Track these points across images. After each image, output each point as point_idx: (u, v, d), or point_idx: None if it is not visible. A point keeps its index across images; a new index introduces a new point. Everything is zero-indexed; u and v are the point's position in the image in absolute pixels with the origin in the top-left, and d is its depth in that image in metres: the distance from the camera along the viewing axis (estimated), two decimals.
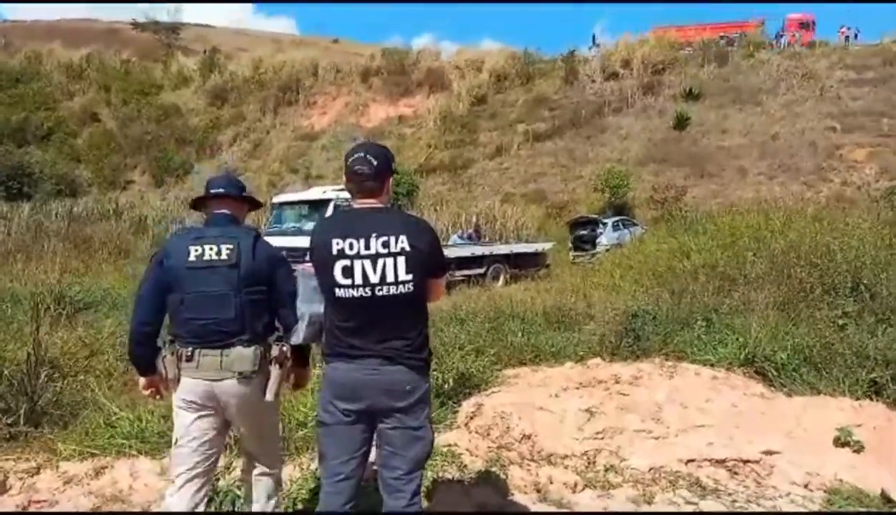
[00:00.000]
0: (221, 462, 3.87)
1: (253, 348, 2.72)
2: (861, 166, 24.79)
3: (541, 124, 32.49)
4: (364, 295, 2.43)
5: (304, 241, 11.91)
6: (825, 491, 4.01)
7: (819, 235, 9.42)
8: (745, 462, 4.35)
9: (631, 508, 3.78)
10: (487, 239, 20.20)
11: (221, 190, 2.92)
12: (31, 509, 3.56)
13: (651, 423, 4.87)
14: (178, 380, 2.71)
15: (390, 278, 2.42)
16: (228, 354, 2.68)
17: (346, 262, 2.44)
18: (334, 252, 2.46)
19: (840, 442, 4.49)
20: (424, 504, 3.38)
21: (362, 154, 2.55)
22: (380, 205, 2.56)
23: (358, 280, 2.43)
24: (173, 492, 2.72)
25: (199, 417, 2.72)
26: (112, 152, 36.51)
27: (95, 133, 37.80)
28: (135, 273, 14.20)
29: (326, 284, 2.49)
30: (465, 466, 4.02)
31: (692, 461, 4.37)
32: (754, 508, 3.82)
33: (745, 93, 30.93)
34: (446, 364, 5.43)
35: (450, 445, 4.31)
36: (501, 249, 17.10)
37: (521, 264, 16.76)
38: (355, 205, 2.57)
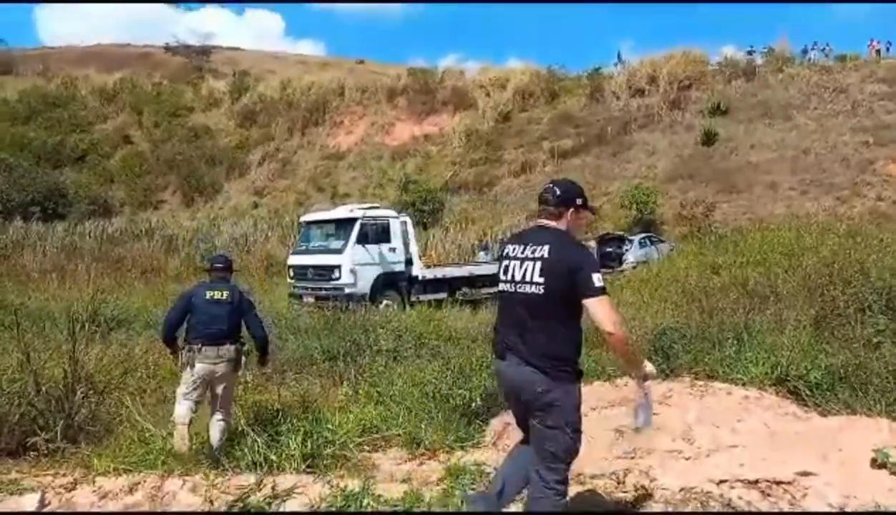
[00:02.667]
0: (252, 480, 3.93)
1: (235, 346, 4.83)
2: None
3: (566, 141, 32.43)
4: (510, 290, 2.98)
5: (330, 260, 12.15)
6: (863, 512, 3.92)
7: (853, 252, 9.25)
8: (779, 483, 4.26)
9: None
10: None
11: (220, 265, 5.17)
12: None
13: (682, 443, 4.81)
14: (193, 364, 4.70)
15: (528, 278, 2.90)
16: (219, 349, 4.72)
17: (507, 263, 3.03)
18: (503, 254, 3.11)
19: (877, 464, 4.38)
20: None
21: (551, 185, 3.14)
22: (550, 225, 3.05)
23: (509, 277, 2.99)
24: (179, 404, 4.73)
25: (200, 383, 4.73)
26: (144, 173, 37.32)
27: (128, 154, 38.70)
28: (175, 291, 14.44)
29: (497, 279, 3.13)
30: None
31: (724, 481, 4.29)
32: None
33: (775, 107, 30.54)
34: (473, 382, 5.44)
35: (478, 464, 4.30)
36: None
37: None
38: (536, 223, 3.15)
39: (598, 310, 2.81)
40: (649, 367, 3.13)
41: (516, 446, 3.24)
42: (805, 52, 35.82)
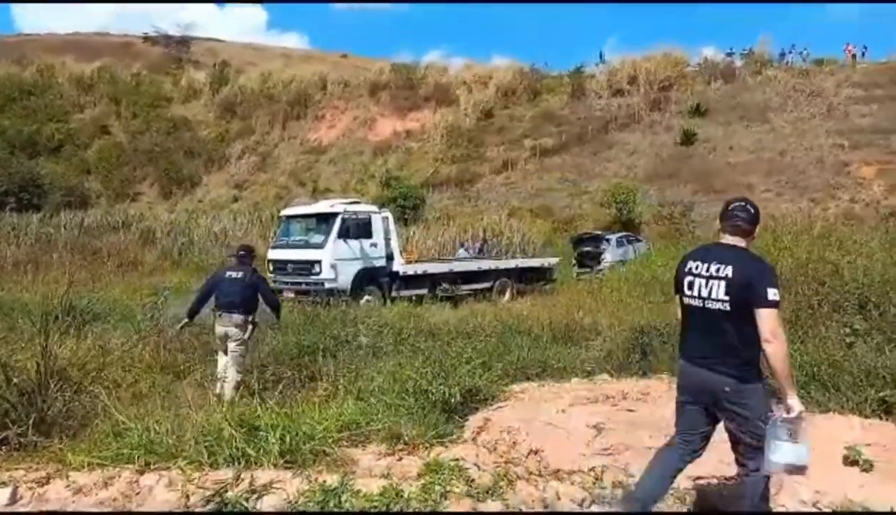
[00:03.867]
0: (230, 474, 3.89)
1: (243, 316, 6.24)
2: (869, 183, 24.73)
3: (548, 139, 32.59)
4: (697, 304, 3.31)
5: (311, 254, 12.14)
6: (834, 510, 3.99)
7: (827, 253, 9.40)
8: None
9: None
10: (494, 252, 20.21)
11: (242, 253, 6.74)
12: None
13: (659, 439, 4.83)
14: (214, 324, 6.36)
15: (714, 295, 3.22)
16: (231, 316, 6.22)
17: (691, 279, 3.34)
18: (686, 269, 3.39)
19: (849, 461, 4.46)
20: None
21: (745, 204, 3.40)
22: (736, 243, 3.31)
23: (695, 292, 3.31)
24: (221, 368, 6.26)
25: (221, 341, 6.32)
26: (121, 164, 36.82)
27: (105, 145, 38.15)
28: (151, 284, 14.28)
29: (681, 296, 3.43)
30: (473, 480, 4.00)
31: (700, 478, 4.35)
32: None
33: (753, 110, 30.96)
34: (453, 378, 5.44)
35: (457, 459, 4.30)
36: (508, 264, 17.11)
37: (528, 279, 16.76)
38: (721, 240, 3.39)
39: (765, 320, 3.09)
40: (795, 401, 3.18)
41: (664, 450, 3.61)
42: (783, 55, 36.41)
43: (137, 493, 3.79)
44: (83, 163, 36.49)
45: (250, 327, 6.28)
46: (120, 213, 26.12)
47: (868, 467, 4.40)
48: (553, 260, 18.28)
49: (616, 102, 33.73)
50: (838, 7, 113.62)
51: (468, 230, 23.14)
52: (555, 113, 35.19)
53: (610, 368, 6.58)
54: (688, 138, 29.30)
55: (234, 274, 6.42)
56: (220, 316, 6.24)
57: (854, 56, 34.84)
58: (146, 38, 52.23)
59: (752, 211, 3.36)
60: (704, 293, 3.26)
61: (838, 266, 8.57)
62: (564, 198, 28.44)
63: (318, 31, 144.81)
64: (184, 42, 51.71)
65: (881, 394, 5.28)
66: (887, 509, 3.92)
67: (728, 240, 3.35)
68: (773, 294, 3.09)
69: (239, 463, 4.03)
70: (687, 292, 3.36)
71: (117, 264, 18.59)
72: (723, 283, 3.20)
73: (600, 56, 39.96)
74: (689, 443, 3.48)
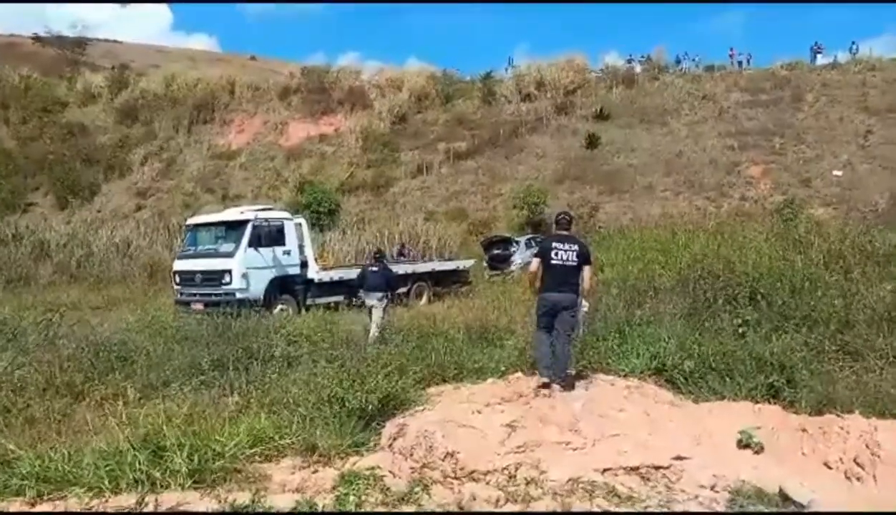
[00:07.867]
0: (133, 499, 3.71)
1: (381, 294, 10.17)
2: (757, 182, 26.47)
3: (461, 143, 32.90)
4: (560, 264, 6.06)
5: (220, 264, 11.64)
6: (730, 492, 4.25)
7: (720, 248, 9.99)
8: (657, 468, 4.55)
9: None
10: (410, 256, 20.20)
11: (377, 256, 11.54)
12: None
13: (569, 435, 5.01)
14: (364, 300, 10.65)
15: (570, 259, 6.06)
16: (374, 294, 10.14)
17: (556, 252, 6.09)
18: (552, 247, 6.14)
19: (742, 444, 4.77)
20: None
21: (567, 214, 6.68)
22: (567, 234, 6.34)
23: (560, 258, 6.06)
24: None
25: (368, 311, 10.23)
26: (11, 173, 34.28)
27: None
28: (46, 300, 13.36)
29: (548, 260, 6.11)
30: (388, 489, 4.00)
31: (608, 469, 4.52)
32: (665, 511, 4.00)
33: (652, 113, 32.43)
34: (369, 384, 5.40)
35: (373, 468, 4.28)
36: (424, 267, 17.17)
37: (444, 281, 16.87)
38: (557, 232, 6.43)
39: (590, 270, 6.37)
40: (587, 304, 6.47)
41: (544, 336, 6.17)
42: (678, 61, 38.29)
43: None
44: None
45: (384, 301, 9.92)
46: (10, 225, 24.25)
47: (759, 449, 4.71)
48: (468, 263, 18.48)
49: (525, 107, 34.47)
50: (716, 19, 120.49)
51: (384, 234, 23.01)
52: (467, 117, 35.58)
53: (523, 366, 6.72)
54: (592, 141, 30.36)
55: (373, 268, 10.63)
56: (367, 294, 10.04)
57: (741, 63, 37.18)
58: (36, 39, 48.84)
59: (570, 217, 6.64)
60: (564, 257, 6.06)
61: (731, 260, 9.12)
62: (478, 201, 28.84)
63: (226, 33, 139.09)
64: (79, 43, 48.74)
65: (770, 380, 5.68)
66: (776, 488, 4.20)
67: (563, 233, 6.32)
68: (593, 258, 6.60)
69: (143, 487, 3.85)
70: (554, 258, 6.07)
71: (7, 280, 17.36)
72: (574, 253, 6.08)
73: (509, 61, 40.70)
74: (550, 330, 6.10)
